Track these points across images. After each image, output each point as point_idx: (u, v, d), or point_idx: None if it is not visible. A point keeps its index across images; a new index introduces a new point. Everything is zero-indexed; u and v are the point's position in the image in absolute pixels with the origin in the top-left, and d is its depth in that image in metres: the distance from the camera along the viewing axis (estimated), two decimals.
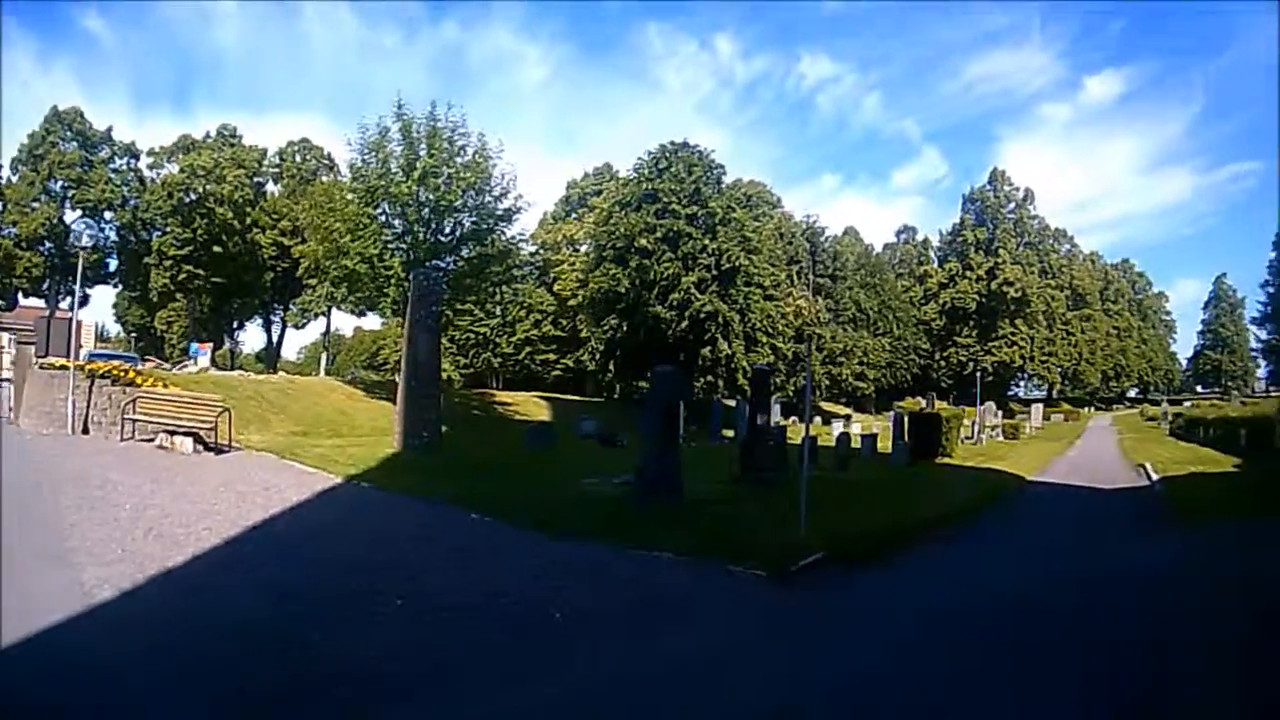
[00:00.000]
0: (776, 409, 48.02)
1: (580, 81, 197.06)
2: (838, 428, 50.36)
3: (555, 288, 62.90)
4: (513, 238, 35.90)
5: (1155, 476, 25.40)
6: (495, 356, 65.89)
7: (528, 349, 64.56)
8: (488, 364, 66.76)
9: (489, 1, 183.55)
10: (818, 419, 59.65)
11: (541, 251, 66.44)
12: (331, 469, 15.64)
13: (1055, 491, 24.04)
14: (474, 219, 33.25)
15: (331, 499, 13.16)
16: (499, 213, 33.52)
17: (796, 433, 42.25)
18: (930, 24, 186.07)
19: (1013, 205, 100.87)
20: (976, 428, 47.28)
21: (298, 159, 64.01)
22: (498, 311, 53.92)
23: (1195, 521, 15.38)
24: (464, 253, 33.86)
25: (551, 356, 61.99)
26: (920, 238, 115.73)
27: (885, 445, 32.80)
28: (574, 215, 70.26)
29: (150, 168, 59.63)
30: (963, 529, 14.84)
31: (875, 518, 14.23)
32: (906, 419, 32.97)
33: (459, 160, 32.26)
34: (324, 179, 54.27)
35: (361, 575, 8.10)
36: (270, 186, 63.65)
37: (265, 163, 63.15)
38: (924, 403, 65.97)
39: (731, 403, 53.46)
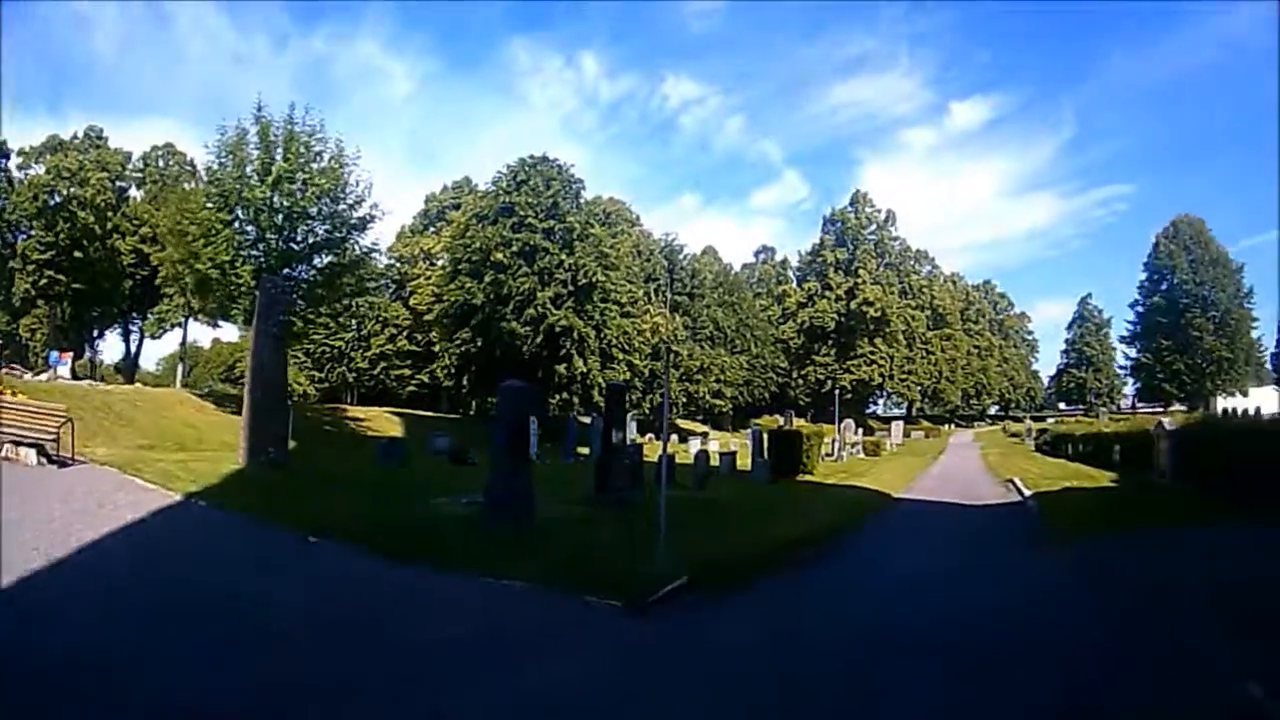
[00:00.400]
0: (633, 426, 50.87)
1: (445, 96, 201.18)
2: (695, 445, 52.98)
3: (411, 302, 65.42)
4: (367, 248, 36.79)
5: (1027, 492, 26.28)
6: (350, 371, 68.44)
7: (383, 364, 67.27)
8: (342, 378, 69.12)
9: (358, 14, 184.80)
10: (675, 437, 64.82)
11: (398, 265, 69.38)
12: (172, 485, 15.81)
13: (925, 508, 24.97)
14: (327, 227, 34.15)
15: (167, 518, 13.36)
16: (353, 221, 34.25)
17: (654, 450, 44.69)
18: (796, 48, 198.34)
19: (874, 227, 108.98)
20: (837, 445, 49.40)
21: (161, 164, 64.70)
22: (352, 324, 55.75)
23: (1076, 537, 15.76)
24: (316, 262, 34.81)
25: (407, 372, 64.37)
26: (779, 258, 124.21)
27: (745, 463, 34.30)
28: (431, 229, 73.17)
29: (19, 168, 59.94)
30: (832, 550, 15.17)
31: (738, 539, 15.01)
32: (766, 436, 33.93)
33: (314, 166, 33.20)
34: (186, 186, 56.06)
35: (181, 601, 8.44)
36: (133, 192, 63.87)
37: (129, 167, 63.74)
38: (782, 420, 71.30)
39: (587, 420, 57.07)
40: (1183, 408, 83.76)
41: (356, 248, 35.61)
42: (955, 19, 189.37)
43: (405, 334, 65.12)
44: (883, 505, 24.87)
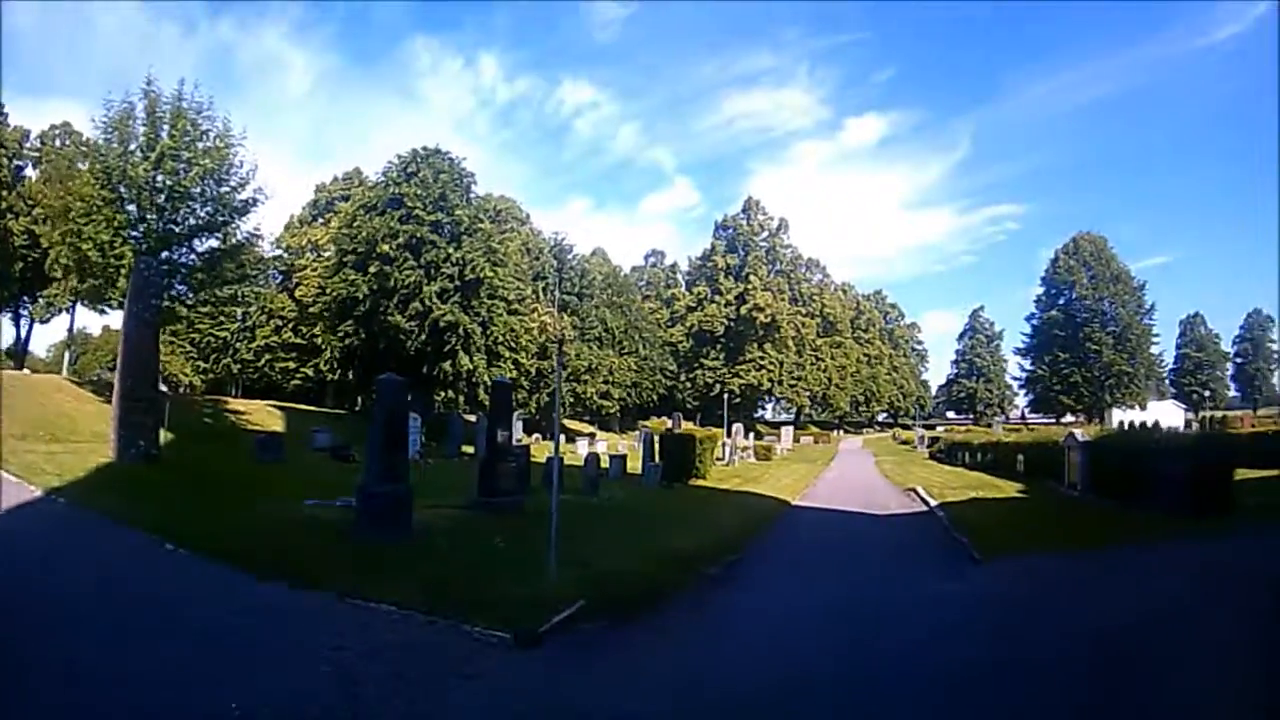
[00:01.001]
0: (519, 426, 52.04)
1: (343, 92, 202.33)
2: (583, 447, 54.84)
3: (298, 294, 65.38)
4: (249, 233, 35.97)
5: (934, 501, 26.33)
6: (235, 362, 68.00)
7: (268, 356, 67.05)
8: (227, 370, 68.78)
9: (265, 3, 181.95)
10: (563, 438, 66.64)
11: (285, 256, 69.45)
12: (35, 480, 15.58)
13: (827, 518, 24.90)
14: (210, 209, 33.28)
15: (19, 517, 13.03)
16: (236, 204, 33.53)
17: (541, 451, 45.42)
18: (695, 60, 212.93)
19: (766, 234, 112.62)
20: (728, 449, 50.30)
21: (58, 144, 63.24)
22: (238, 315, 56.17)
23: (1002, 555, 15.04)
24: (198, 245, 33.81)
25: (292, 365, 64.16)
26: (669, 262, 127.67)
27: (635, 466, 34.53)
28: (320, 220, 73.10)
29: None
30: (738, 567, 14.71)
31: (635, 551, 14.42)
32: (657, 439, 34.37)
33: (200, 145, 32.44)
34: (81, 166, 54.99)
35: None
36: (29, 171, 62.73)
37: (26, 146, 61.99)
38: (670, 423, 73.69)
39: (473, 418, 58.45)
40: (1078, 419, 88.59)
41: (239, 232, 35.00)
42: (857, 39, 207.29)
43: (291, 326, 65.01)
44: (784, 514, 25.28)
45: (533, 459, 28.82)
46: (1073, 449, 25.95)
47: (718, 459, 44.86)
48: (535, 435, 65.39)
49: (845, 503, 28.61)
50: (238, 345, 67.48)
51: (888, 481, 39.22)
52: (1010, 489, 29.95)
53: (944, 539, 19.04)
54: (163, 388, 36.38)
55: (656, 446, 33.63)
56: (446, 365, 52.32)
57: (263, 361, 67.77)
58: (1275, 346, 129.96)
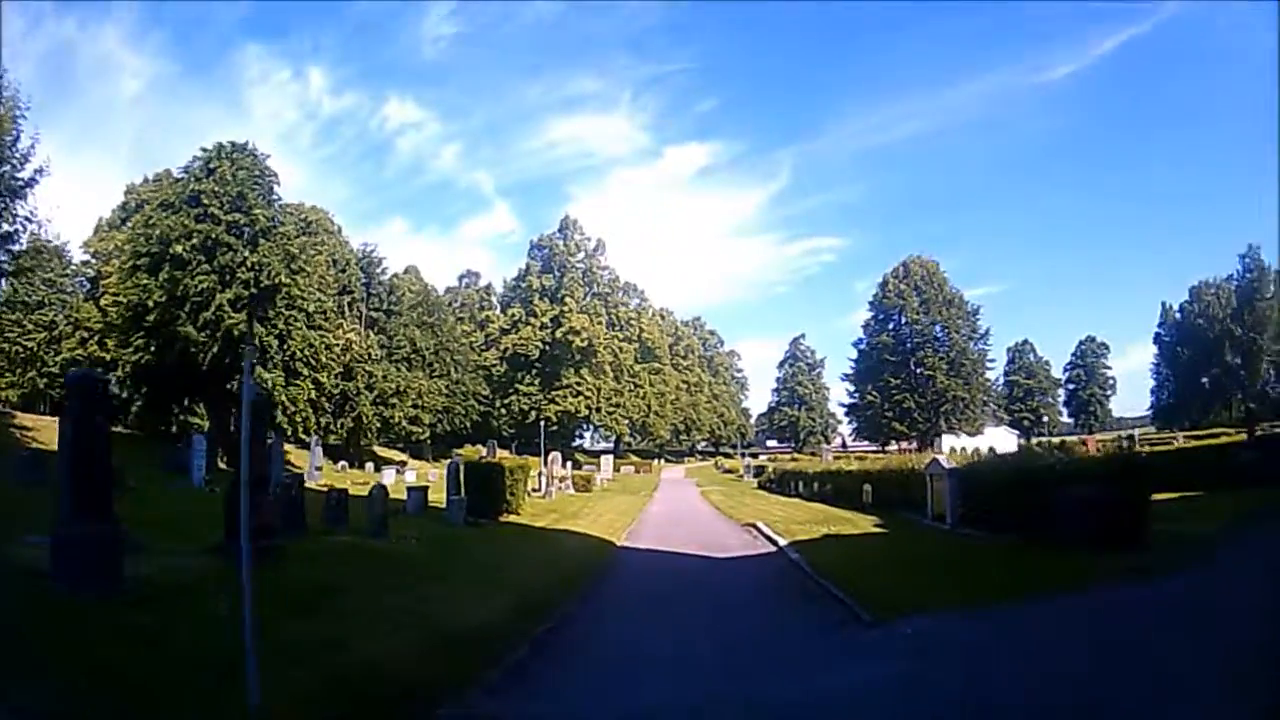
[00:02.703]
0: (318, 453, 51.04)
1: (173, 98, 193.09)
2: (389, 476, 53.36)
3: (103, 302, 59.54)
4: (25, 218, 33.58)
5: (782, 540, 24.04)
6: (42, 376, 62.96)
7: (73, 369, 61.47)
8: (33, 384, 63.86)
9: (108, 3, 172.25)
10: (370, 465, 64.81)
11: (94, 261, 65.28)
12: None
13: (659, 563, 22.59)
14: None
15: None
16: (16, 184, 31.66)
17: (347, 481, 44.92)
18: (519, 82, 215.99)
19: (583, 255, 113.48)
20: (544, 479, 48.62)
21: None
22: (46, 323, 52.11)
23: (894, 614, 12.17)
24: None
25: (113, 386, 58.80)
26: (484, 283, 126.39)
27: (441, 498, 31.41)
28: (129, 224, 67.13)
29: None
30: (541, 652, 11.27)
31: (410, 626, 11.48)
32: (463, 469, 31.38)
33: None
34: None
35: None
36: None
37: None
38: (485, 451, 72.40)
39: (289, 447, 55.10)
40: (910, 446, 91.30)
41: (13, 218, 33.03)
42: (681, 69, 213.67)
43: (97, 339, 59.47)
44: (606, 559, 22.84)
45: (319, 486, 27.55)
46: (938, 477, 24.41)
47: (533, 490, 44.03)
48: (342, 463, 63.74)
49: (679, 543, 26.59)
50: (44, 357, 62.59)
51: (721, 515, 38.13)
52: (864, 523, 28.29)
53: (811, 590, 16.36)
54: None
55: (462, 478, 30.48)
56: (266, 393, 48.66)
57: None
58: (1110, 373, 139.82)
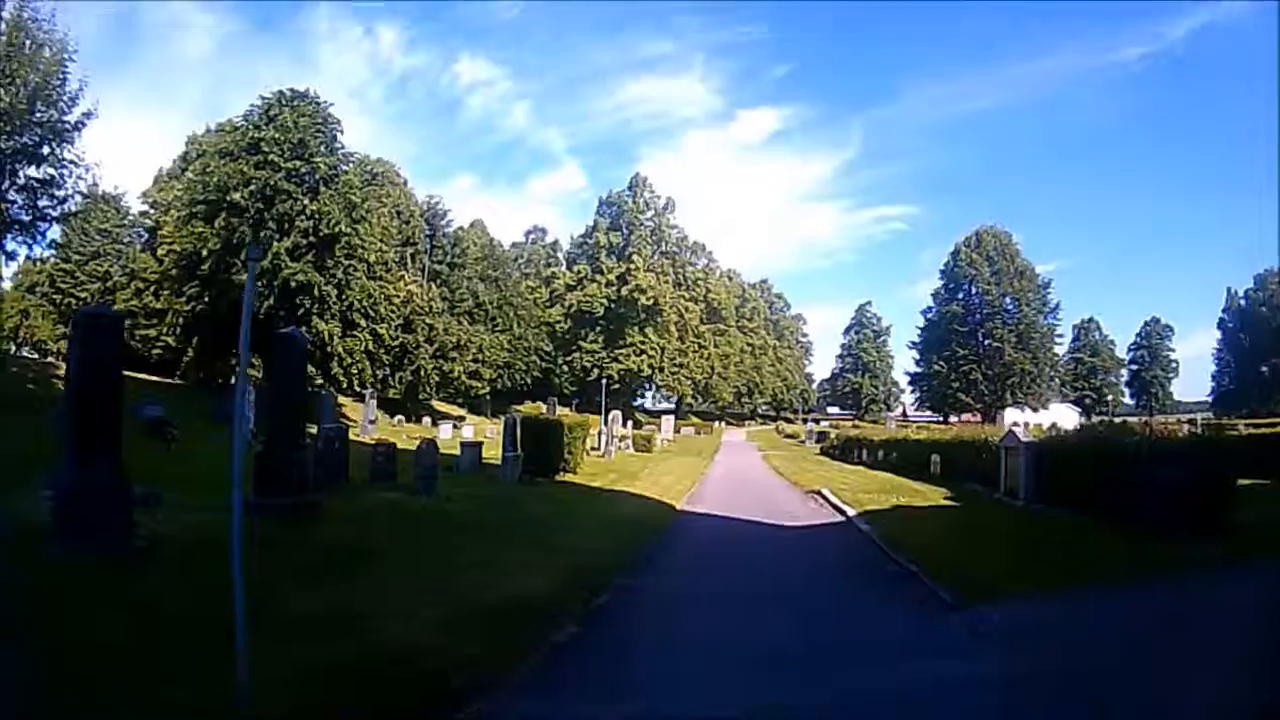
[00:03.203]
0: (371, 406, 50.27)
1: (243, 56, 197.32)
2: (446, 431, 52.90)
3: (160, 253, 58.49)
4: (71, 160, 32.59)
5: (850, 510, 22.75)
6: None
7: (128, 322, 61.32)
8: None
9: None
10: (427, 420, 64.54)
11: (152, 212, 65.11)
12: None
13: (724, 531, 21.02)
14: (34, 137, 30.63)
15: None
16: (65, 128, 31.11)
17: (402, 435, 43.19)
18: (591, 43, 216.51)
19: (651, 213, 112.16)
20: (604, 439, 47.46)
21: None
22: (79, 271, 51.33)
23: (980, 597, 10.94)
24: (19, 179, 31.34)
25: (153, 332, 57.06)
26: (550, 239, 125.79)
27: (496, 454, 29.27)
28: (188, 173, 65.87)
29: None
30: (593, 632, 9.84)
31: (447, 597, 10.19)
32: (520, 425, 29.79)
33: (32, 58, 29.66)
34: None
35: None
36: None
37: None
38: (545, 408, 71.61)
39: (344, 400, 54.85)
40: (973, 418, 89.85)
41: (60, 162, 32.19)
42: (755, 33, 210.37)
43: (152, 289, 58.63)
44: (667, 524, 21.08)
45: (362, 440, 26.34)
46: (1013, 450, 22.97)
47: (592, 449, 43.24)
48: (399, 417, 63.31)
49: (742, 508, 24.96)
50: None
51: (784, 481, 36.29)
52: (934, 494, 26.62)
53: (886, 566, 15.00)
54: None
55: (519, 434, 28.68)
56: (303, 332, 47.98)
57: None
58: (1173, 355, 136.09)
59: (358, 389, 54.30)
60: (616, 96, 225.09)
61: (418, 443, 22.44)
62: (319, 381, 48.94)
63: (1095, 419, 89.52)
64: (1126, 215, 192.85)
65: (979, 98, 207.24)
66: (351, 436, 36.64)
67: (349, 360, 50.95)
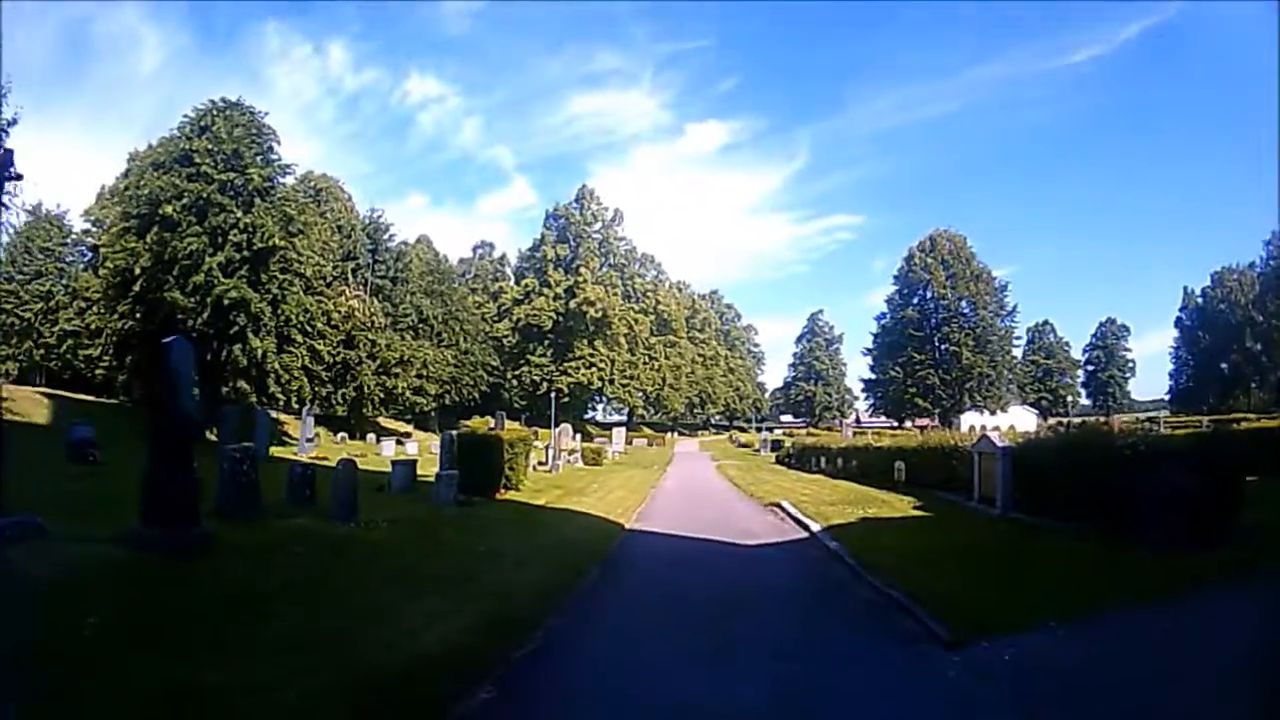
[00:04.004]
0: (309, 423, 48.53)
1: (192, 74, 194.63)
2: (389, 448, 51.65)
3: (101, 271, 55.82)
4: None
5: (814, 525, 21.30)
6: (38, 348, 61.89)
7: (70, 341, 59.57)
8: (30, 356, 62.68)
9: None
10: (372, 437, 62.79)
11: (94, 231, 63.58)
12: None
13: (677, 553, 18.95)
14: None
15: None
16: None
17: (342, 453, 40.20)
18: (543, 57, 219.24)
19: (599, 225, 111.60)
20: (552, 452, 47.07)
21: None
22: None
23: (978, 632, 9.66)
24: None
25: (94, 352, 54.36)
26: (498, 254, 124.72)
27: (434, 471, 27.17)
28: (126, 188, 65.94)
29: None
30: (505, 701, 7.94)
31: (330, 658, 8.47)
32: (457, 441, 28.80)
33: None
34: None
35: None
36: None
37: None
38: (493, 422, 70.81)
39: (287, 418, 53.84)
40: (930, 423, 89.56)
41: None
42: (703, 46, 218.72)
43: (95, 308, 55.64)
44: (613, 547, 19.16)
45: (305, 463, 23.64)
46: (988, 455, 21.85)
47: (539, 464, 42.63)
48: (342, 435, 61.72)
49: (696, 525, 23.34)
50: (40, 329, 61.51)
51: (741, 493, 34.98)
52: (901, 504, 25.29)
53: (861, 591, 13.53)
54: None
55: (456, 451, 27.66)
56: (238, 350, 46.59)
57: (64, 348, 60.50)
58: (1129, 355, 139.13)
59: (294, 406, 52.64)
60: (565, 112, 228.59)
61: (338, 463, 19.74)
62: (252, 399, 47.26)
63: (1053, 420, 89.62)
64: (1077, 218, 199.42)
65: (927, 106, 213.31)
66: (289, 456, 35.39)
67: (286, 377, 48.95)
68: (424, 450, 51.43)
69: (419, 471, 28.88)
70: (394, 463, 30.68)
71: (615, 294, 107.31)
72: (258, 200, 48.89)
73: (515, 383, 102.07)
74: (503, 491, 28.14)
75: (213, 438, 36.31)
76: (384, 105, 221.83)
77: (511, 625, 10.49)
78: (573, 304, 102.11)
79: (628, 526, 23.34)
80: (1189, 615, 9.86)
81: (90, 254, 64.07)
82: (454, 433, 30.19)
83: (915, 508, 24.20)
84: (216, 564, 11.56)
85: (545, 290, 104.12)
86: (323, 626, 9.64)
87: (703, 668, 9.28)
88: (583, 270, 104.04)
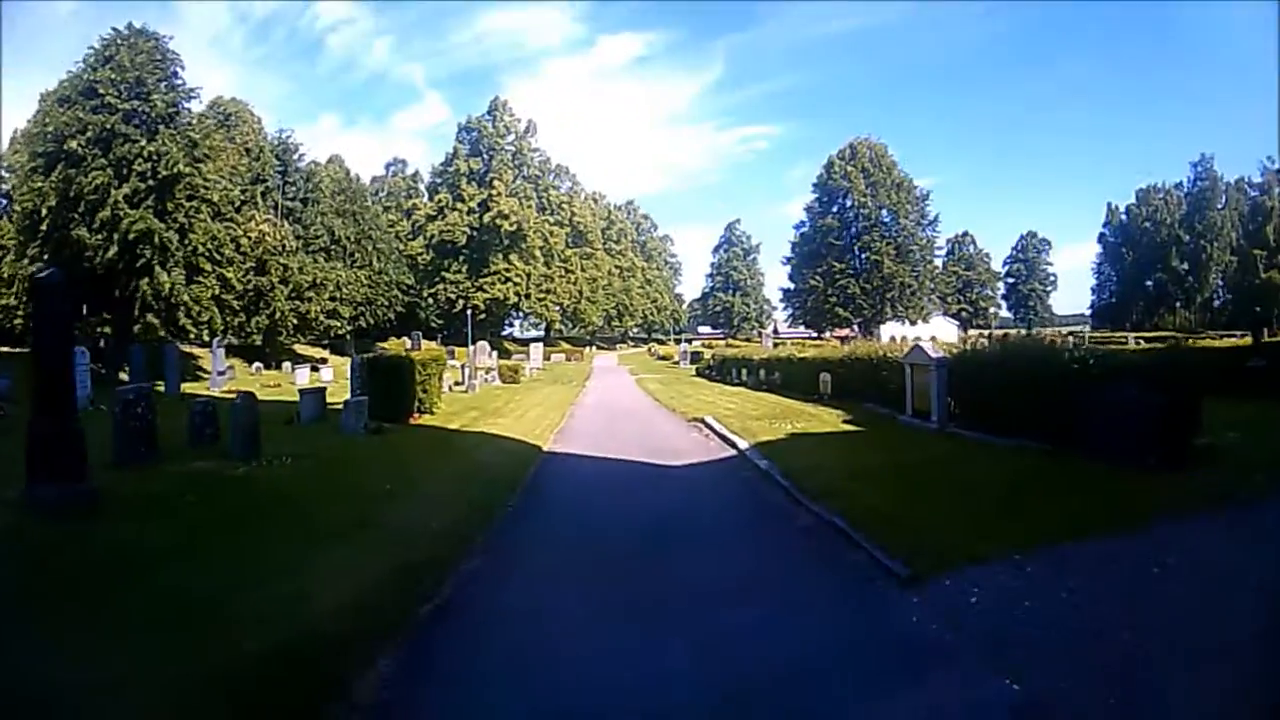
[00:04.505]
0: (219, 355, 47.03)
1: (106, 12, 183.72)
2: (303, 375, 50.32)
3: (14, 216, 53.74)
4: None
5: (742, 443, 20.73)
6: None
7: None
8: None
9: None
10: (288, 365, 61.47)
11: (9, 177, 60.44)
12: None
13: (597, 479, 18.00)
14: None
15: None
16: None
17: (255, 385, 40.97)
18: None
19: (513, 136, 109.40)
20: (468, 372, 46.58)
21: None
22: None
23: (931, 568, 8.96)
24: None
25: (12, 300, 51.71)
26: (411, 171, 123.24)
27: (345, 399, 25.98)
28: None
29: None
30: (407, 672, 7.18)
31: (173, 656, 6.94)
32: (367, 366, 27.90)
33: None
34: None
35: None
36: None
37: None
38: (409, 343, 69.92)
39: (202, 352, 51.87)
40: (850, 333, 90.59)
41: None
42: None
43: (9, 255, 53.09)
44: (530, 474, 18.13)
45: (203, 399, 22.02)
46: (922, 367, 21.17)
47: (455, 384, 42.48)
48: (257, 365, 60.43)
49: (618, 445, 22.56)
50: None
51: (662, 408, 34.31)
52: (830, 418, 24.78)
53: (800, 517, 12.78)
54: None
55: (366, 376, 26.77)
56: (145, 284, 45.49)
57: None
58: (1051, 269, 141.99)
59: (206, 339, 51.38)
60: (476, 27, 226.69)
61: (238, 396, 18.82)
62: (163, 334, 46.59)
63: (974, 332, 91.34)
64: (998, 134, 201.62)
65: (844, 19, 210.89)
66: (202, 392, 34.74)
67: (196, 309, 47.90)
68: (339, 376, 50.04)
69: (330, 399, 28.14)
70: (302, 392, 30.03)
71: (530, 207, 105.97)
72: (162, 128, 47.60)
73: (431, 301, 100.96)
74: (416, 416, 27.53)
75: (127, 379, 35.64)
76: (293, 29, 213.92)
77: (418, 578, 9.68)
78: (487, 218, 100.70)
79: (546, 449, 22.72)
80: (1176, 545, 9.00)
81: (5, 201, 60.96)
82: (363, 356, 29.66)
83: (845, 421, 24.05)
84: (100, 524, 10.79)
85: (459, 205, 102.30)
86: (203, 594, 8.54)
87: (634, 624, 8.38)
88: (496, 183, 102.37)
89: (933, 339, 37.27)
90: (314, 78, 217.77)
